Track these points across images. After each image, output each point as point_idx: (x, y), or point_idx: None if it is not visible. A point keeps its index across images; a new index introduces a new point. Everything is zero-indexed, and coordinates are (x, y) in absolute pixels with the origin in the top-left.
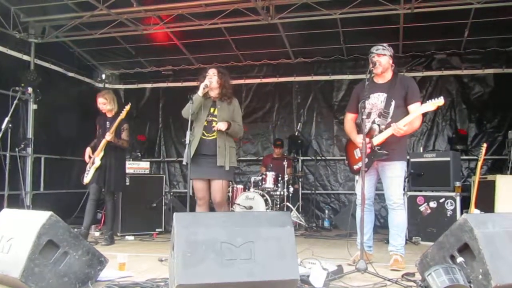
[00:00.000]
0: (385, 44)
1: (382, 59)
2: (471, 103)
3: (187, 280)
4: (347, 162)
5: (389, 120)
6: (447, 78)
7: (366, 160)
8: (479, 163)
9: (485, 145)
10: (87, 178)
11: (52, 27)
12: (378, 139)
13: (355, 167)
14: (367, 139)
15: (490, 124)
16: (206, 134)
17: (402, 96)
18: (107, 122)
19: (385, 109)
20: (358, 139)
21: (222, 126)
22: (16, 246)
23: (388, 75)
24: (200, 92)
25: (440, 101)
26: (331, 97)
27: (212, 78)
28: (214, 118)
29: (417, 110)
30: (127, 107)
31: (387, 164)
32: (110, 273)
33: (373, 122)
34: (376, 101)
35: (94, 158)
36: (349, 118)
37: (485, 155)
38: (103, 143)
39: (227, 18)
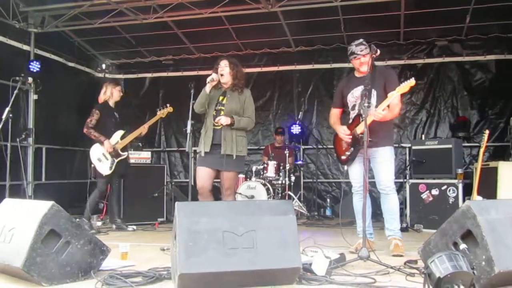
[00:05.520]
0: (362, 40)
1: (367, 58)
2: (473, 89)
3: (189, 269)
4: (335, 154)
5: (372, 109)
6: (449, 65)
7: (352, 149)
8: (481, 150)
9: (487, 131)
10: (110, 170)
11: (52, 16)
12: (361, 127)
13: (343, 157)
14: (347, 130)
15: (492, 110)
16: (215, 124)
17: (382, 86)
18: (115, 113)
19: (368, 100)
20: (340, 129)
21: (224, 120)
22: (18, 236)
23: (369, 70)
24: (207, 88)
25: (411, 81)
26: (332, 85)
27: (223, 70)
28: (222, 108)
29: (392, 94)
30: (170, 109)
31: (375, 150)
32: (112, 262)
33: (359, 114)
34: (359, 93)
35: (117, 150)
36: (334, 113)
37: (487, 141)
38: (135, 135)
39: (227, 6)
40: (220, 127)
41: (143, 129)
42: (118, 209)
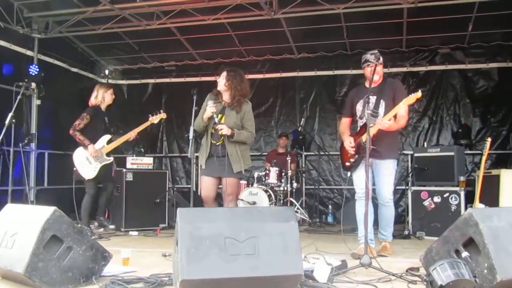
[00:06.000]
0: (376, 51)
1: (380, 68)
2: (475, 97)
3: (191, 275)
4: (340, 161)
5: (379, 119)
6: (451, 72)
7: (356, 156)
8: (484, 158)
9: (489, 139)
10: (93, 174)
11: (55, 22)
12: (366, 136)
13: (347, 164)
14: (352, 139)
15: (495, 118)
16: (213, 141)
17: (391, 98)
18: (106, 118)
19: (375, 109)
20: (347, 140)
21: (225, 130)
22: (20, 241)
23: (379, 80)
24: (205, 118)
25: (417, 94)
26: (334, 92)
27: (220, 81)
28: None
29: (399, 105)
30: (163, 116)
31: (380, 162)
32: (114, 268)
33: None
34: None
35: (103, 154)
36: (344, 122)
37: (489, 149)
38: (122, 140)
39: (230, 13)
40: (219, 142)
41: (131, 136)
42: (104, 208)
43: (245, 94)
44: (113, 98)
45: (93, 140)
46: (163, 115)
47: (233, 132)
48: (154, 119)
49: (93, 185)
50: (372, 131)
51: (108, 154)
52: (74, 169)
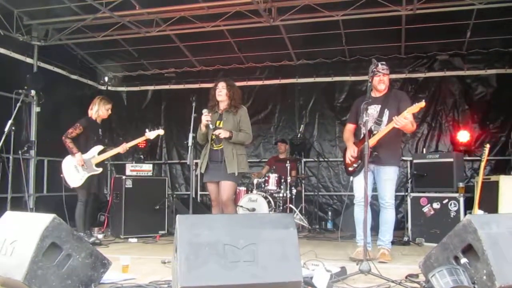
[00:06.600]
0: (384, 62)
1: (386, 78)
2: (474, 103)
3: (190, 283)
4: (343, 165)
5: (383, 127)
6: (450, 79)
7: (359, 162)
8: (483, 164)
9: (488, 145)
10: (79, 183)
11: (55, 29)
12: (372, 140)
13: (350, 168)
14: (356, 148)
15: (493, 124)
16: (214, 146)
17: (396, 107)
18: (100, 129)
19: (379, 118)
20: (350, 149)
21: (223, 133)
22: (19, 248)
23: (385, 89)
24: (203, 128)
25: (421, 103)
26: (333, 98)
27: (221, 92)
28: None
29: (403, 114)
30: (161, 132)
31: (383, 168)
32: (113, 275)
33: (370, 130)
34: (372, 111)
35: (92, 164)
36: (348, 128)
37: (488, 155)
38: (113, 153)
39: (230, 20)
40: (219, 147)
41: (122, 149)
42: (89, 220)
43: (240, 102)
44: (109, 114)
45: (84, 150)
46: (160, 132)
47: (231, 134)
48: (151, 134)
49: (84, 193)
50: (383, 132)
51: (98, 165)
52: (62, 175)
